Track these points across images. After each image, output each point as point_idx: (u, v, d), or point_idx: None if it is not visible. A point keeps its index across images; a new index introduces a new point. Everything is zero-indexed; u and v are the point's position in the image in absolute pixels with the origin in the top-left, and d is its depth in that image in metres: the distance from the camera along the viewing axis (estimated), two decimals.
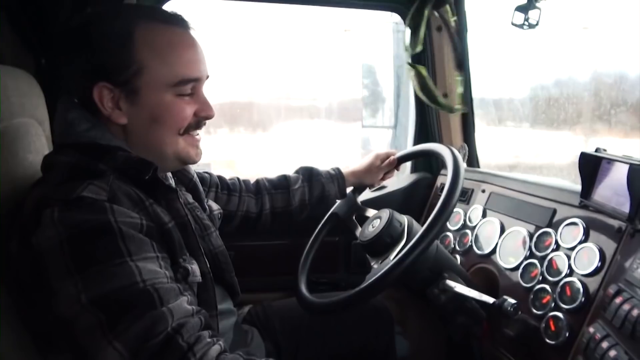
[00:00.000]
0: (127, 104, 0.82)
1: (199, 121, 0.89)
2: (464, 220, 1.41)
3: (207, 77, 0.90)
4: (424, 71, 1.44)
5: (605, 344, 0.81)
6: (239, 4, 1.69)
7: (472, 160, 1.72)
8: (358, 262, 1.55)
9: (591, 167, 0.92)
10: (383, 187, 1.68)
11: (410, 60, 1.44)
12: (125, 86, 0.81)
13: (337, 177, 1.33)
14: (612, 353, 0.78)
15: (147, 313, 0.69)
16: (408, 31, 1.40)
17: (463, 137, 1.71)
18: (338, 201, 1.35)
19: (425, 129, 1.75)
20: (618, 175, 0.82)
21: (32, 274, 0.72)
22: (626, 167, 0.80)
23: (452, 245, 1.40)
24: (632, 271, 0.84)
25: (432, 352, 1.57)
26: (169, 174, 1.00)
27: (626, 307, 0.80)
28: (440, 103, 1.50)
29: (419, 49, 1.41)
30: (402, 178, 1.76)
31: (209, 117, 0.90)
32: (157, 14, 0.86)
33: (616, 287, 0.86)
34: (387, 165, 1.34)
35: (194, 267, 0.85)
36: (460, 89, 1.52)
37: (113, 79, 0.80)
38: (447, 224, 1.46)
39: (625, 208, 0.80)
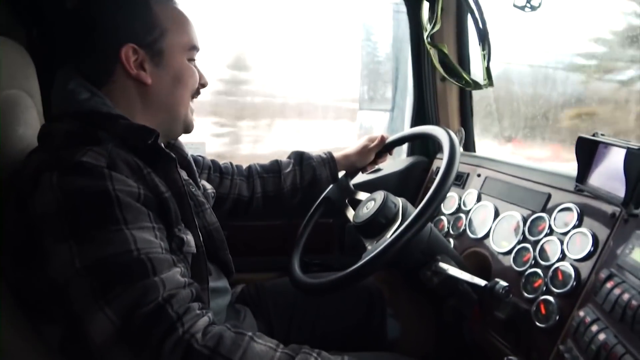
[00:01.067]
0: (152, 65, 0.88)
1: (198, 89, 0.97)
2: (459, 205, 1.41)
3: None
4: (444, 49, 1.40)
5: (594, 328, 0.82)
6: None
7: (469, 144, 1.71)
8: (352, 243, 1.56)
9: (588, 151, 0.91)
10: (379, 170, 1.67)
11: (428, 39, 1.40)
12: (151, 48, 0.87)
13: (328, 160, 1.33)
14: (602, 336, 0.79)
15: (139, 281, 0.69)
16: (426, 7, 1.36)
17: (460, 121, 1.70)
18: (331, 185, 1.34)
19: (423, 113, 1.74)
20: (614, 159, 0.82)
21: (27, 237, 0.72)
22: (623, 151, 0.79)
23: (446, 229, 1.40)
24: (625, 256, 0.84)
25: (424, 334, 1.58)
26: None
27: (617, 291, 0.80)
28: (466, 80, 1.46)
29: (437, 26, 1.37)
30: (398, 161, 1.76)
31: (205, 85, 0.99)
32: None
33: (608, 271, 0.86)
34: (376, 145, 1.33)
35: (189, 238, 0.86)
36: (485, 64, 1.48)
37: (140, 41, 0.85)
38: (442, 207, 1.46)
39: (620, 193, 0.79)
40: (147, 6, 0.87)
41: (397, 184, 1.64)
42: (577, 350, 0.86)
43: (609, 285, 0.83)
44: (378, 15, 2.11)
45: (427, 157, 1.73)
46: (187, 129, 0.98)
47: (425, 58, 1.63)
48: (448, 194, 1.44)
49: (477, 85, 1.48)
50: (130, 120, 0.84)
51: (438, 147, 1.69)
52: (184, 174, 1.03)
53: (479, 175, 1.42)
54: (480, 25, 1.42)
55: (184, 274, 0.76)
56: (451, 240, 1.36)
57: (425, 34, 1.38)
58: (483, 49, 1.43)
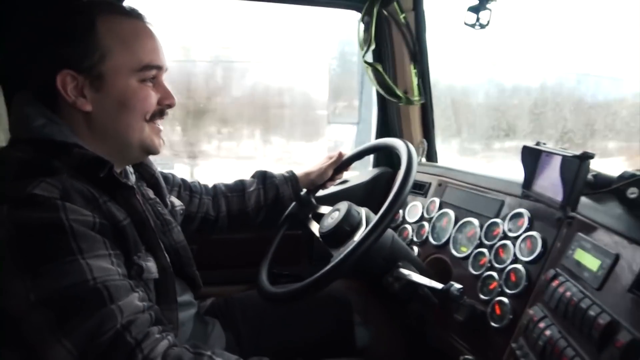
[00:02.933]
0: (92, 90, 0.83)
1: (162, 110, 0.92)
2: (422, 213, 1.47)
3: (166, 69, 0.92)
4: (379, 67, 1.48)
5: (542, 325, 0.87)
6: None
7: (431, 155, 1.78)
8: (320, 254, 1.59)
9: (532, 159, 0.98)
10: (345, 182, 1.72)
11: (365, 57, 1.49)
12: (90, 72, 0.82)
13: (290, 179, 1.37)
14: (548, 332, 0.84)
15: (96, 311, 0.70)
16: (362, 28, 1.44)
17: (422, 133, 1.77)
18: (293, 203, 1.38)
19: (387, 126, 1.80)
20: (554, 166, 0.88)
21: None
22: (560, 158, 0.86)
23: (411, 237, 1.45)
24: (568, 257, 0.90)
25: (391, 341, 1.62)
26: (130, 169, 1.01)
27: (561, 289, 0.85)
28: (398, 96, 1.55)
29: (372, 46, 1.45)
30: (364, 173, 1.81)
31: (172, 105, 0.93)
32: (117, 7, 0.88)
33: (554, 272, 0.92)
34: (334, 162, 1.38)
35: (149, 264, 0.86)
36: (415, 81, 1.57)
37: (77, 66, 0.81)
38: (406, 216, 1.51)
39: (559, 197, 0.85)
40: (91, 27, 0.82)
41: (363, 194, 1.69)
42: (527, 347, 0.91)
43: (554, 284, 0.89)
44: (345, 32, 2.18)
45: (392, 168, 1.78)
46: (148, 151, 0.93)
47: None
48: (412, 203, 1.50)
49: (408, 101, 1.56)
50: (86, 149, 0.82)
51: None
52: (150, 193, 1.05)
53: (440, 185, 1.48)
54: (411, 47, 1.52)
55: (142, 298, 0.77)
56: (415, 247, 1.40)
57: (362, 53, 1.45)
58: (414, 67, 1.52)
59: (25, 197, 0.71)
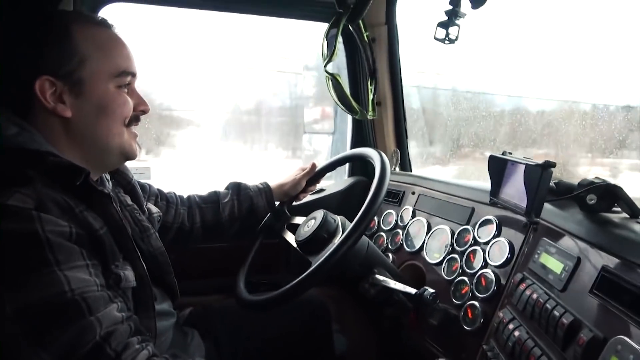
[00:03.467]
0: (72, 96, 0.83)
1: (137, 115, 0.93)
2: (396, 221, 1.51)
3: (137, 76, 0.94)
4: (339, 78, 1.52)
5: (511, 326, 0.91)
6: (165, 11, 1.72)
7: (405, 164, 1.82)
8: (299, 262, 1.61)
9: (499, 168, 1.03)
10: (321, 191, 1.75)
11: (327, 68, 1.53)
12: (69, 78, 0.82)
13: (265, 190, 1.39)
14: (517, 333, 0.88)
15: (75, 323, 0.70)
16: (325, 42, 1.49)
17: (396, 143, 1.82)
18: (268, 214, 1.40)
19: (361, 136, 1.84)
20: (519, 175, 0.93)
21: None
22: (523, 167, 0.91)
23: (386, 244, 1.49)
24: (534, 261, 0.95)
25: (369, 347, 1.64)
26: (107, 176, 1.01)
27: (528, 292, 0.90)
28: (354, 109, 1.59)
29: (335, 58, 1.50)
30: (339, 182, 1.84)
31: (146, 111, 0.94)
32: (89, 17, 0.90)
33: (521, 275, 0.97)
34: (306, 173, 1.41)
35: (127, 273, 0.86)
36: (371, 97, 1.64)
37: (55, 72, 0.81)
38: (381, 224, 1.55)
39: (524, 203, 0.90)
40: (66, 33, 0.82)
41: (338, 203, 1.72)
42: (497, 348, 0.95)
43: (521, 287, 0.93)
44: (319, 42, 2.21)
45: (367, 177, 1.82)
46: (127, 156, 0.94)
47: (361, 84, 1.75)
48: (386, 211, 1.54)
49: (362, 114, 1.62)
50: (60, 157, 0.81)
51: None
52: (127, 199, 1.05)
53: (413, 193, 1.53)
54: (370, 64, 1.58)
55: (121, 308, 0.77)
56: (390, 254, 1.44)
57: (324, 64, 1.50)
58: (370, 84, 1.57)
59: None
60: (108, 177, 1.02)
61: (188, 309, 1.33)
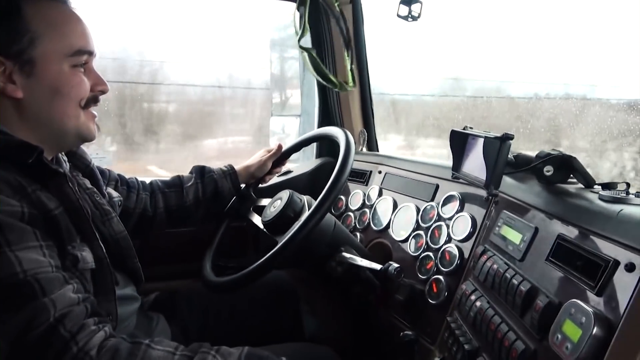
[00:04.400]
0: (23, 76, 0.80)
1: (95, 96, 0.90)
2: (363, 200, 1.51)
3: (95, 54, 0.90)
4: (313, 53, 1.51)
5: (473, 297, 0.93)
6: None
7: (372, 144, 1.83)
8: (266, 244, 1.60)
9: (460, 143, 1.04)
10: (289, 172, 1.74)
11: (301, 43, 1.51)
12: (19, 57, 0.79)
13: (229, 172, 1.37)
14: (478, 304, 0.90)
15: (27, 304, 0.68)
16: (297, 15, 1.47)
17: (363, 123, 1.82)
18: (234, 197, 1.39)
19: (328, 117, 1.83)
20: (479, 148, 0.94)
21: None
22: (482, 140, 0.92)
23: (354, 224, 1.49)
24: (495, 233, 0.97)
25: (340, 326, 1.66)
26: (64, 158, 0.97)
27: (489, 263, 0.92)
28: (331, 81, 1.58)
29: (306, 32, 1.48)
30: (306, 163, 1.83)
31: (104, 91, 0.91)
32: None
33: (482, 247, 0.99)
34: (273, 154, 1.40)
35: (85, 254, 0.84)
36: (349, 66, 1.62)
37: (4, 51, 0.78)
38: (349, 204, 1.55)
39: (484, 176, 0.91)
40: (16, 10, 0.79)
41: (306, 184, 1.71)
42: (460, 319, 0.97)
43: (483, 259, 0.95)
44: (284, 23, 2.18)
45: (334, 158, 1.81)
46: (84, 138, 0.91)
47: (328, 60, 1.73)
48: (354, 192, 1.55)
49: (342, 87, 1.61)
50: (11, 135, 0.79)
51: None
52: (87, 182, 1.02)
53: (379, 172, 1.53)
54: (345, 35, 1.57)
55: (77, 289, 0.75)
56: (358, 234, 1.45)
57: (297, 39, 1.48)
58: (347, 55, 1.57)
59: None
60: (65, 158, 0.98)
61: (153, 294, 1.30)
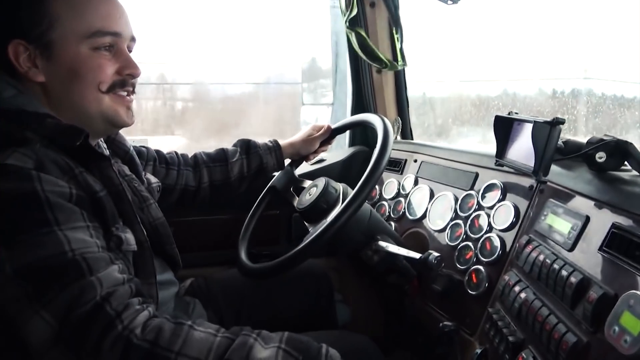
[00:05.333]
0: (43, 60, 0.80)
1: (123, 80, 0.86)
2: (398, 189, 1.48)
3: (133, 37, 0.88)
4: (362, 32, 1.47)
5: (517, 288, 0.90)
6: None
7: (406, 132, 1.79)
8: (299, 233, 1.59)
9: (504, 129, 1.00)
10: (322, 160, 1.72)
11: (348, 24, 1.48)
12: (40, 41, 0.79)
13: (274, 148, 1.35)
14: (523, 295, 0.87)
15: (75, 282, 0.69)
16: None
17: (397, 111, 1.78)
18: (277, 174, 1.37)
19: (362, 105, 1.80)
20: (526, 134, 0.90)
21: None
22: (531, 125, 0.88)
23: (388, 213, 1.47)
24: (540, 222, 0.93)
25: (372, 316, 1.65)
26: (103, 145, 0.98)
27: (534, 254, 0.88)
28: (380, 59, 1.53)
29: (354, 11, 1.44)
30: (340, 152, 1.81)
31: (135, 75, 0.87)
32: None
33: (527, 237, 0.95)
34: (322, 134, 1.37)
35: (128, 236, 0.85)
36: (399, 45, 1.57)
37: (27, 35, 0.78)
38: (383, 193, 1.53)
39: (532, 163, 0.88)
40: None
41: (339, 173, 1.70)
42: (503, 310, 0.94)
43: (527, 249, 0.91)
44: (315, 11, 2.16)
45: (368, 147, 1.79)
46: (113, 123, 0.88)
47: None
48: (388, 180, 1.52)
49: (392, 66, 1.56)
50: (59, 119, 0.80)
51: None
52: (125, 169, 1.03)
53: (415, 161, 1.50)
54: (393, 11, 1.51)
55: (122, 270, 0.76)
56: (392, 223, 1.42)
57: (344, 19, 1.45)
58: (396, 32, 1.52)
59: None
60: (105, 146, 0.99)
61: (189, 279, 1.31)
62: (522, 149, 0.93)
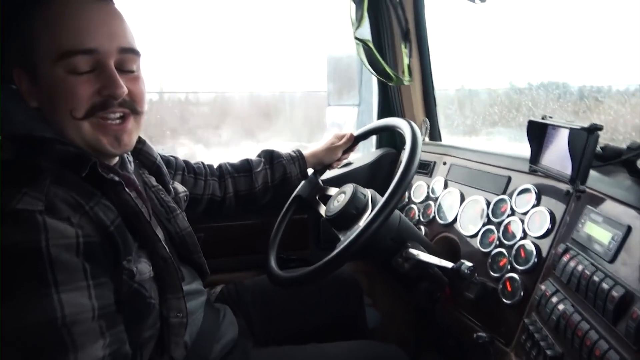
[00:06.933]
0: (32, 85, 0.77)
1: (105, 101, 0.77)
2: (427, 192, 1.46)
3: (124, 49, 0.79)
4: (370, 44, 1.46)
5: (554, 299, 0.87)
6: None
7: (434, 134, 1.76)
8: (327, 237, 1.59)
9: (538, 133, 0.97)
10: (349, 164, 1.71)
11: (357, 34, 1.46)
12: (26, 66, 0.77)
13: (297, 158, 1.36)
14: (561, 307, 0.84)
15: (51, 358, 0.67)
16: (353, 5, 1.42)
17: (425, 112, 1.75)
18: (301, 183, 1.37)
19: (388, 106, 1.78)
20: (561, 140, 0.87)
21: None
22: (567, 131, 0.84)
23: (417, 217, 1.45)
24: (578, 230, 0.90)
25: (402, 321, 1.63)
26: (129, 158, 0.99)
27: (572, 263, 0.85)
28: (388, 74, 1.52)
29: (364, 22, 1.43)
30: (367, 154, 1.80)
31: (115, 96, 0.77)
32: None
33: (564, 246, 0.92)
34: (344, 143, 1.37)
35: (140, 267, 0.82)
36: (406, 61, 1.55)
37: (20, 61, 0.77)
38: (412, 196, 1.50)
39: (568, 170, 0.85)
40: (26, 17, 0.75)
41: (367, 176, 1.68)
42: (540, 321, 0.91)
43: (565, 258, 0.88)
44: (341, 12, 2.14)
45: (395, 149, 1.77)
46: (98, 152, 0.80)
47: (387, 52, 1.68)
48: (417, 183, 1.50)
49: (398, 80, 1.54)
50: (68, 145, 0.77)
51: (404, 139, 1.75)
52: (152, 180, 1.04)
53: (444, 163, 1.47)
54: (403, 25, 1.49)
55: (110, 343, 0.72)
56: (422, 227, 1.40)
57: (353, 30, 1.43)
58: (405, 47, 1.50)
59: (8, 213, 0.67)
60: (130, 158, 1.00)
61: (219, 286, 1.33)
62: (557, 155, 0.90)
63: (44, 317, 0.66)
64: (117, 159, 0.89)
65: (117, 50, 0.77)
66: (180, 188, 1.15)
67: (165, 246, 0.88)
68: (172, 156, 1.24)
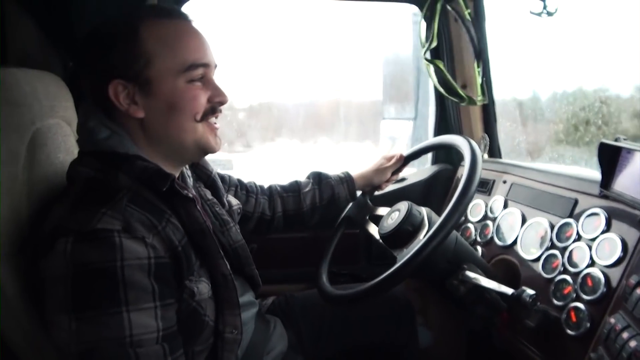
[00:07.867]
0: (142, 96, 0.84)
1: (213, 107, 0.90)
2: (485, 212, 1.41)
3: (216, 65, 0.91)
4: (441, 65, 1.44)
5: (625, 335, 0.81)
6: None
7: (494, 151, 1.70)
8: (380, 253, 1.57)
9: (611, 156, 0.91)
10: (403, 180, 1.69)
11: (427, 55, 1.45)
12: (138, 79, 0.83)
13: (346, 179, 1.36)
14: (633, 343, 0.78)
15: None
16: (424, 25, 1.41)
17: (484, 127, 1.70)
18: (350, 204, 1.37)
19: (445, 121, 1.74)
20: (637, 164, 0.81)
21: (36, 290, 0.76)
22: None
23: (474, 237, 1.40)
24: None
25: (454, 342, 1.58)
26: (188, 173, 1.03)
27: None
28: (461, 96, 1.49)
29: (434, 43, 1.41)
30: (422, 171, 1.77)
31: (223, 102, 0.90)
32: (159, 10, 0.88)
33: (638, 277, 0.85)
34: (394, 164, 1.36)
35: (201, 286, 0.85)
36: (479, 80, 1.51)
37: (125, 75, 0.82)
38: (469, 215, 1.46)
39: None
40: (134, 34, 0.82)
41: (421, 193, 1.65)
42: (608, 357, 0.85)
43: (638, 291, 0.82)
44: (398, 26, 2.13)
45: (452, 165, 1.73)
46: (205, 151, 0.92)
47: (454, 77, 1.64)
48: (474, 201, 1.45)
49: (471, 101, 1.50)
50: (148, 161, 0.84)
51: (462, 154, 1.70)
52: (207, 193, 1.07)
53: (504, 182, 1.42)
54: (476, 44, 1.46)
55: None
56: (479, 247, 1.35)
57: (423, 51, 1.41)
58: (478, 66, 1.46)
59: (88, 233, 0.72)
60: (189, 173, 1.04)
61: (270, 297, 1.34)
62: (632, 180, 0.84)
63: (114, 335, 0.71)
64: (178, 173, 0.94)
65: (215, 65, 0.91)
66: (234, 201, 1.19)
67: (227, 262, 0.91)
68: (226, 174, 1.29)
